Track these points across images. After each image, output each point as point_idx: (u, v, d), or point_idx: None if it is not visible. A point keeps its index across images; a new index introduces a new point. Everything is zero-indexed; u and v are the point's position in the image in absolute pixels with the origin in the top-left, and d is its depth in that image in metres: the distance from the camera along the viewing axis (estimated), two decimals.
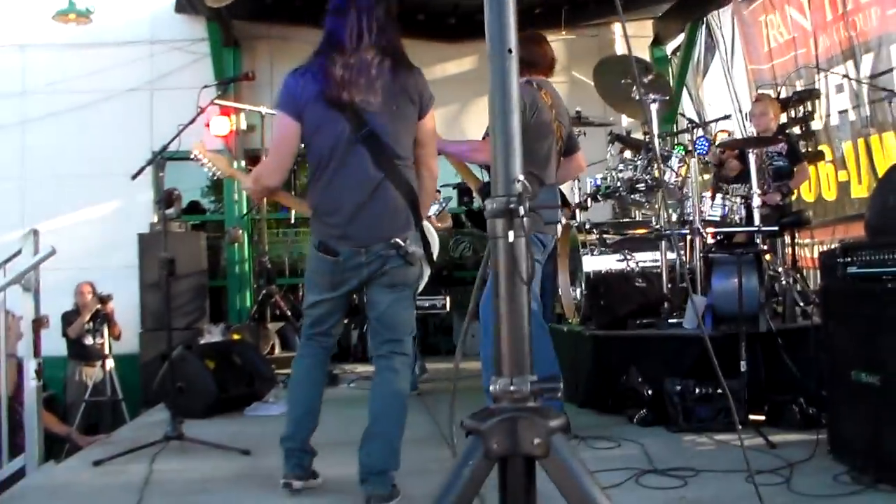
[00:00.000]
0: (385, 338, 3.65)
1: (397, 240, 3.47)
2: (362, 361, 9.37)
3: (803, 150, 7.66)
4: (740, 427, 4.51)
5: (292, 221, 10.31)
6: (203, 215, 11.31)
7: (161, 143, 4.93)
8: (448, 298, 9.30)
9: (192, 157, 4.06)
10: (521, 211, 1.34)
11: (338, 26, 3.44)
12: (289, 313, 9.22)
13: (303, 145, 3.59)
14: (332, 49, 3.42)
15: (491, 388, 1.39)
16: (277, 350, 8.86)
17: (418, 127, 3.57)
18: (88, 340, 8.80)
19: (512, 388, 1.37)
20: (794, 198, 7.53)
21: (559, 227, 5.52)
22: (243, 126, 10.02)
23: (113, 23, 10.47)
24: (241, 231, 10.13)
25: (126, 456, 4.57)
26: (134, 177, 4.93)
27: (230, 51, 10.41)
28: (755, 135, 6.88)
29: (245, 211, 10.29)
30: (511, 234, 1.35)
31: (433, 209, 6.67)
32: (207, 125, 9.12)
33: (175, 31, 10.62)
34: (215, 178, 4.16)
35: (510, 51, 1.40)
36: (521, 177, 1.37)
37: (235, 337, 7.98)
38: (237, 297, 10.54)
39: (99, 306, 8.65)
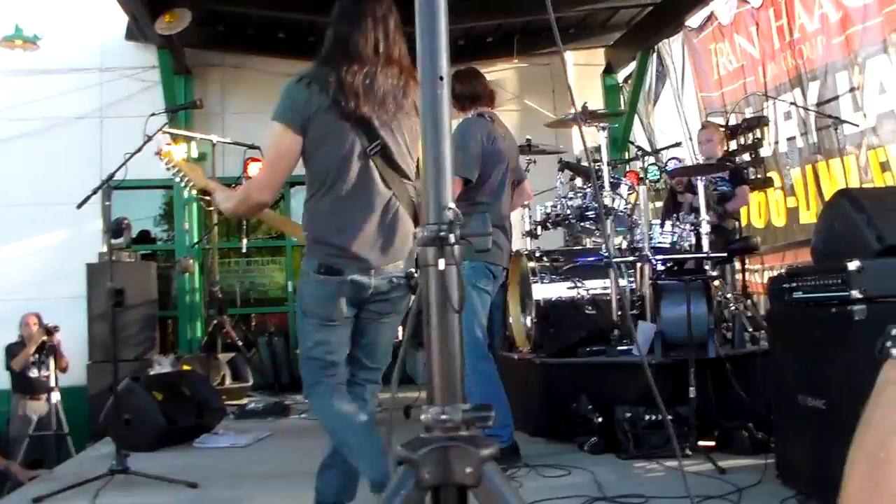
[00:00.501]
0: (365, 365, 3.44)
1: (411, 270, 3.28)
2: None
3: (752, 177, 7.78)
4: (691, 453, 4.54)
5: (244, 251, 10.22)
6: (153, 244, 11.18)
7: (110, 172, 4.88)
8: (400, 328, 9.28)
9: (160, 158, 3.79)
10: (452, 239, 1.34)
11: (349, 34, 3.21)
12: (240, 343, 9.12)
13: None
14: (344, 58, 3.16)
15: (423, 417, 1.38)
16: (228, 381, 8.74)
17: None
18: (33, 373, 8.64)
19: (444, 416, 1.35)
20: (743, 224, 7.64)
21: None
22: (194, 155, 9.92)
23: (61, 49, 10.40)
24: (192, 260, 10.03)
25: (68, 491, 4.46)
26: (79, 206, 4.85)
27: (181, 79, 10.34)
28: (702, 162, 6.98)
29: (196, 240, 10.20)
30: (441, 262, 1.35)
31: None
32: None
33: (125, 59, 10.55)
34: (185, 187, 3.77)
35: (441, 77, 1.40)
36: (452, 204, 1.36)
37: (185, 368, 7.87)
38: (188, 328, 10.42)
39: (45, 338, 8.49)
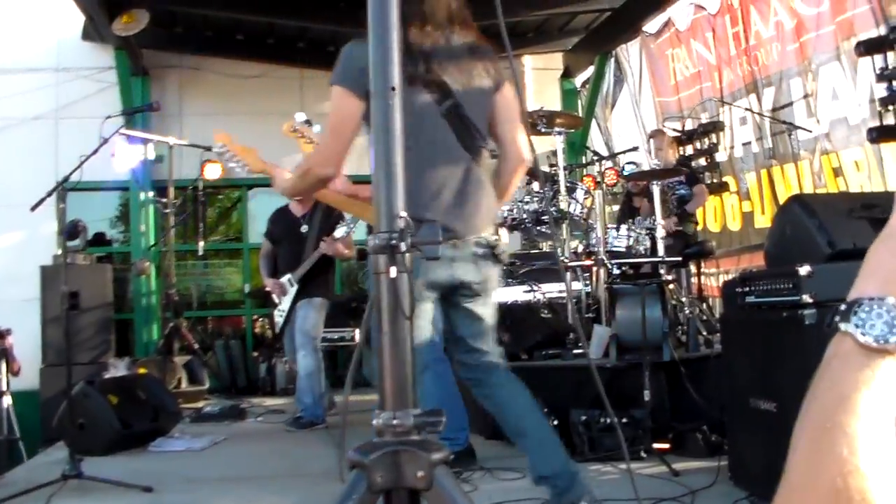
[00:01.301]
0: (473, 347, 3.17)
1: (494, 236, 3.07)
2: (271, 395, 9.28)
3: (708, 182, 7.90)
4: (645, 455, 4.59)
5: (200, 254, 10.15)
6: (109, 247, 11.06)
7: (66, 173, 4.83)
8: (357, 331, 9.28)
9: (215, 149, 3.55)
10: (403, 247, 1.36)
11: None
12: (196, 347, 9.07)
13: None
14: (415, 18, 2.95)
15: (374, 421, 1.40)
16: (184, 384, 8.67)
17: (496, 101, 3.13)
18: None
19: (395, 421, 1.37)
20: (699, 228, 7.74)
21: None
22: (151, 156, 9.85)
23: (17, 49, 10.27)
24: (148, 263, 9.95)
25: (20, 497, 4.38)
26: (34, 208, 4.80)
27: (139, 80, 10.26)
28: (659, 167, 7.06)
29: (153, 243, 10.12)
30: (393, 270, 1.37)
31: (341, 231, 6.55)
32: (113, 155, 8.94)
33: (82, 59, 10.45)
34: (247, 171, 3.50)
35: (393, 88, 1.42)
36: (404, 213, 1.38)
37: (141, 371, 7.80)
38: (144, 331, 10.34)
39: None
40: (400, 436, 1.36)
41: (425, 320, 3.07)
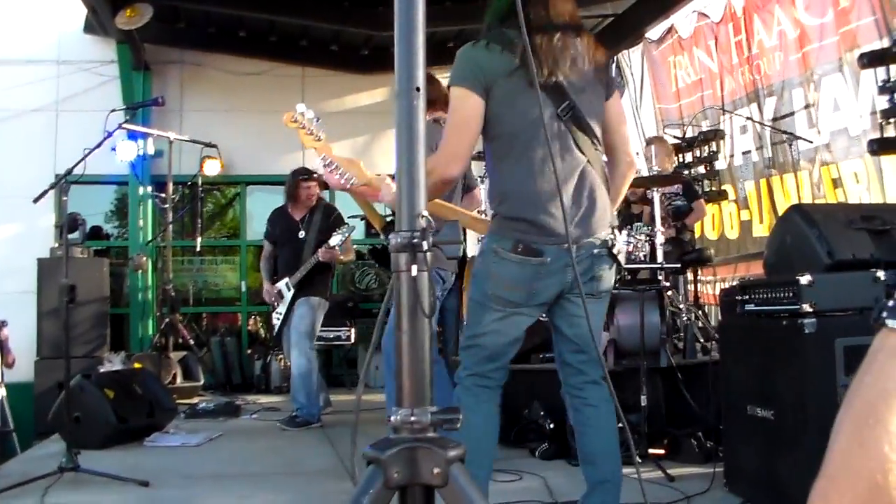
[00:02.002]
0: (585, 359, 3.10)
1: (611, 236, 3.03)
2: (265, 392, 9.29)
3: (707, 189, 7.92)
4: (641, 461, 4.60)
5: (198, 249, 10.16)
6: (105, 241, 11.04)
7: (65, 166, 4.83)
8: (353, 330, 9.30)
9: (319, 162, 3.36)
10: (425, 245, 1.37)
11: None
12: (192, 342, 9.08)
13: None
14: (533, 22, 2.91)
15: (392, 418, 1.40)
16: (179, 380, 8.68)
17: (607, 107, 3.14)
18: None
19: (412, 418, 1.38)
20: (697, 236, 7.76)
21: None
22: (150, 151, 9.85)
23: (18, 40, 10.25)
24: (145, 258, 9.94)
25: (16, 489, 4.39)
26: (36, 200, 4.81)
27: (140, 75, 10.24)
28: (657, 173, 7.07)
29: (150, 238, 10.11)
30: (414, 269, 1.38)
31: (337, 239, 6.57)
32: (114, 149, 8.94)
33: (83, 53, 10.42)
34: (350, 186, 3.31)
35: (418, 89, 1.43)
36: (425, 212, 1.40)
37: (137, 366, 7.80)
38: (139, 326, 10.32)
39: None
40: (416, 433, 1.37)
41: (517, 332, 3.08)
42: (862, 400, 0.78)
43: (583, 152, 2.98)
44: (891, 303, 0.82)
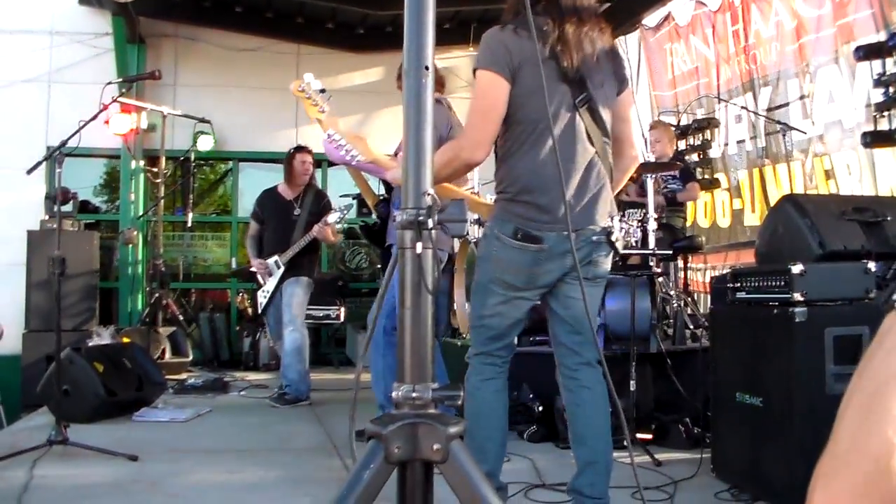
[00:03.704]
0: (580, 340, 3.16)
1: (610, 224, 3.10)
2: (253, 370, 9.31)
3: (700, 177, 7.94)
4: (629, 445, 4.63)
5: (189, 225, 10.14)
6: (94, 214, 10.98)
7: (58, 138, 4.80)
8: (343, 309, 9.31)
9: (326, 135, 3.31)
10: (430, 223, 1.38)
11: None
12: (181, 318, 9.08)
13: None
14: (563, 10, 2.98)
15: (393, 394, 1.41)
16: (168, 355, 8.68)
17: (618, 101, 3.20)
18: None
19: (414, 394, 1.40)
20: (689, 223, 7.78)
21: (457, 242, 5.60)
22: (143, 125, 9.80)
23: (11, 9, 10.16)
24: (136, 232, 9.91)
25: (5, 461, 4.39)
26: (30, 171, 4.77)
27: (134, 47, 10.16)
28: (654, 160, 7.09)
29: (141, 212, 10.08)
30: (419, 246, 1.39)
31: (334, 217, 6.62)
32: (107, 122, 8.90)
33: (78, 24, 10.31)
34: (355, 162, 3.31)
35: (427, 68, 1.43)
36: (431, 190, 1.40)
37: (125, 340, 7.79)
38: (128, 300, 10.28)
39: None
40: (418, 409, 1.38)
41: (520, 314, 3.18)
42: (870, 383, 0.79)
43: (593, 144, 3.05)
44: None
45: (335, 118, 3.34)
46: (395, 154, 4.16)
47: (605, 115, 3.10)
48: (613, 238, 3.09)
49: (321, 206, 6.92)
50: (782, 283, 3.61)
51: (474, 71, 2.98)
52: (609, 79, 3.13)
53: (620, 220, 5.82)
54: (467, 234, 5.28)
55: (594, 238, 3.05)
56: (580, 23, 3.00)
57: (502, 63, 2.91)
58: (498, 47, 2.93)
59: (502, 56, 2.92)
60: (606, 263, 3.17)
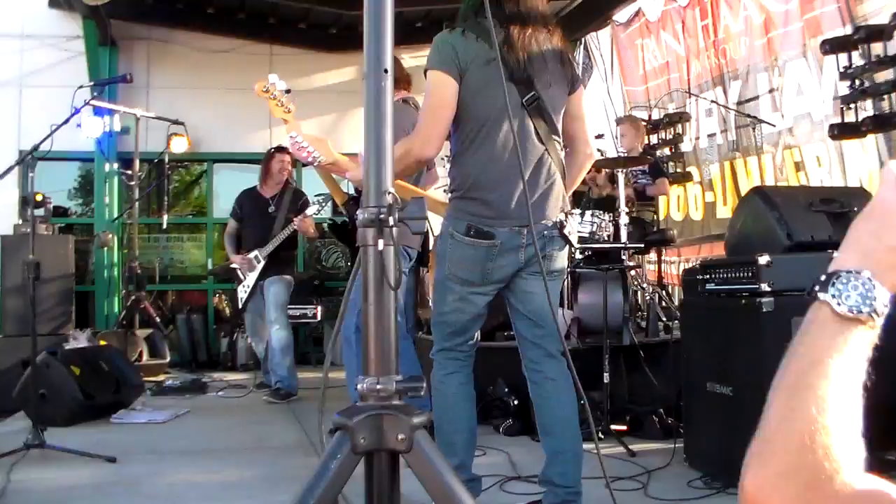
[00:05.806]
0: (542, 333, 3.23)
1: (561, 218, 3.17)
2: (231, 370, 9.30)
3: (672, 171, 8.01)
4: (603, 437, 4.68)
5: (164, 227, 10.11)
6: (67, 218, 10.90)
7: (29, 142, 4.79)
8: (319, 308, 9.32)
9: (289, 140, 3.31)
10: (391, 221, 1.42)
11: None
12: (158, 320, 9.06)
13: None
14: (496, 12, 3.01)
15: (358, 386, 1.46)
16: (146, 357, 8.67)
17: (570, 100, 3.27)
18: None
19: (378, 386, 1.44)
20: (662, 217, 7.85)
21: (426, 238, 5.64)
22: (117, 128, 9.77)
23: None
24: (111, 235, 9.88)
25: None
26: (1, 176, 4.75)
27: (106, 50, 10.11)
28: (624, 155, 7.15)
29: (116, 215, 10.05)
30: (381, 243, 1.43)
31: (314, 209, 6.74)
32: (79, 126, 8.86)
33: (48, 27, 10.24)
34: (317, 164, 3.34)
35: (386, 70, 1.48)
36: (392, 189, 1.45)
37: (102, 343, 7.78)
38: (105, 303, 10.25)
39: None
40: (382, 400, 1.43)
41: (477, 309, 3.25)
42: (795, 367, 0.84)
43: (542, 142, 3.13)
44: (822, 277, 0.88)
45: (297, 122, 3.36)
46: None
47: (555, 114, 3.19)
48: (566, 231, 3.18)
49: (299, 204, 7.00)
50: (750, 274, 3.68)
51: (425, 72, 3.08)
52: (559, 79, 3.20)
53: (592, 215, 5.94)
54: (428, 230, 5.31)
55: (545, 232, 3.13)
56: (524, 26, 3.10)
57: (450, 63, 3.02)
58: (445, 48, 3.05)
59: (450, 56, 3.03)
60: (562, 257, 3.27)
